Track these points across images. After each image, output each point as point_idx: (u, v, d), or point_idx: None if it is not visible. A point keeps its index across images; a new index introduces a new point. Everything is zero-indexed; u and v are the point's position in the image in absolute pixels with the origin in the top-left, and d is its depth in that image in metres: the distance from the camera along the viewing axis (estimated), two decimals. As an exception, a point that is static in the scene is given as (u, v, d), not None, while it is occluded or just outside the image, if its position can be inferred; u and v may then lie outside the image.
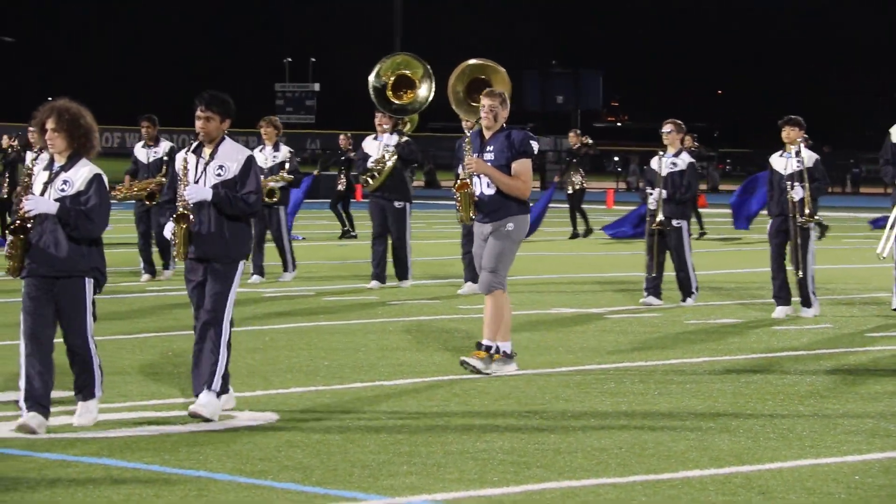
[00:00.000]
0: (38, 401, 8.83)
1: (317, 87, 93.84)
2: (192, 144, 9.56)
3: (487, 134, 11.59)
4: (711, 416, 9.76)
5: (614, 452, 8.60)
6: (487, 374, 11.35)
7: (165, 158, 18.95)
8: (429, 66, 15.21)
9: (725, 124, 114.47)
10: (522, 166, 11.40)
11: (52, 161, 9.00)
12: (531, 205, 12.23)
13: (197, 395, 9.35)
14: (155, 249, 19.24)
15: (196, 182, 9.40)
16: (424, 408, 10.03)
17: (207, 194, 9.30)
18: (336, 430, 9.21)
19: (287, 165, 18.90)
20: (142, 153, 19.34)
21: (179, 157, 9.58)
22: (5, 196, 25.03)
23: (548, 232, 30.11)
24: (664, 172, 16.36)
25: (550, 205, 29.01)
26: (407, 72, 16.49)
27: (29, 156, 9.45)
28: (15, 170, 24.93)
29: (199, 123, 9.45)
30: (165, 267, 19.43)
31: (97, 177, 8.95)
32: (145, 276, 19.11)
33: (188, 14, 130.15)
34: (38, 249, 8.88)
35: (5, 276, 9.46)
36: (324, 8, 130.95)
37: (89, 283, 8.98)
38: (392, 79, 16.46)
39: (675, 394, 10.70)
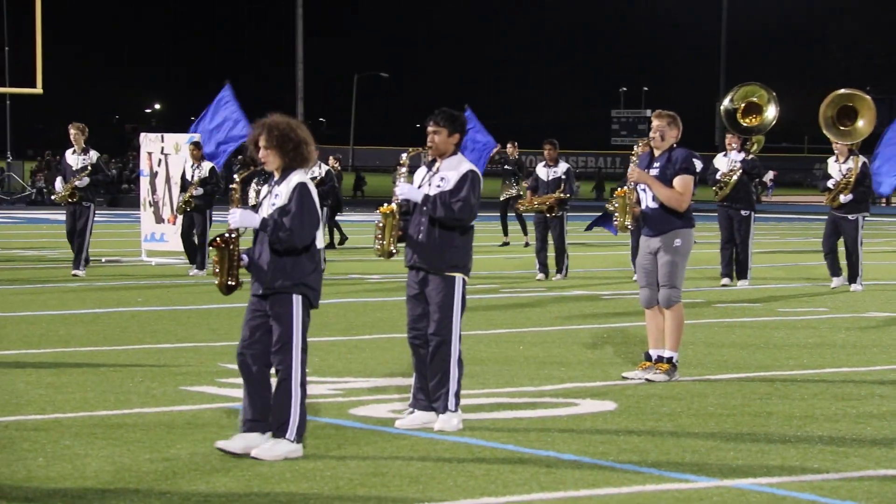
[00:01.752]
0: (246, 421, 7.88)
1: (648, 112, 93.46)
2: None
3: (656, 153, 10.86)
4: None
5: (928, 445, 8.24)
6: (670, 379, 10.61)
7: (563, 177, 19.67)
8: (774, 94, 16.16)
9: None
10: (682, 181, 10.65)
11: (271, 177, 8.04)
12: None
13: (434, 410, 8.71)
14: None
15: (419, 188, 8.72)
16: (748, 400, 9.81)
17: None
18: (668, 418, 9.11)
19: None
20: (542, 172, 19.89)
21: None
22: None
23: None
24: None
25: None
26: (755, 98, 18.17)
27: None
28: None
29: (429, 137, 8.75)
30: None
31: (299, 186, 7.79)
32: (540, 276, 19.76)
33: (531, 53, 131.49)
34: (254, 266, 7.82)
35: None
36: (655, 42, 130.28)
37: (297, 300, 7.74)
38: (742, 105, 18.03)
39: None
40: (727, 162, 19.02)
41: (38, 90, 21.71)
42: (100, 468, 7.48)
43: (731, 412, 9.35)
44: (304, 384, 7.75)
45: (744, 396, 9.98)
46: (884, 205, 61.13)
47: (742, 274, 18.90)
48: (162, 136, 23.01)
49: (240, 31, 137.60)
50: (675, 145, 10.83)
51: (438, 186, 8.66)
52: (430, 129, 8.76)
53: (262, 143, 7.83)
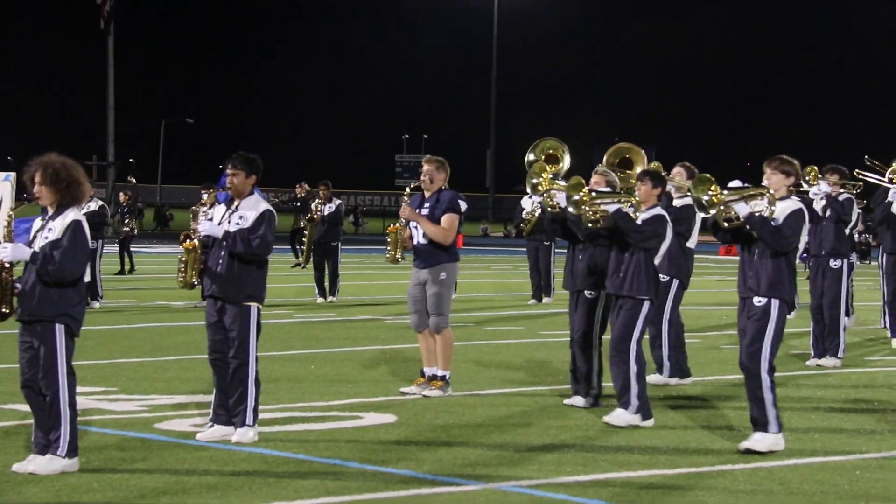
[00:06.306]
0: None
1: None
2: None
3: (427, 194, 11.08)
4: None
5: (663, 450, 8.53)
6: (444, 395, 10.73)
7: (333, 209, 20.62)
8: (567, 146, 18.06)
9: None
10: (448, 219, 10.86)
11: (45, 211, 7.71)
12: None
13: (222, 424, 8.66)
14: None
15: (219, 224, 8.68)
16: (512, 412, 9.99)
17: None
18: (441, 429, 9.20)
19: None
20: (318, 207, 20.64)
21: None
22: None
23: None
24: None
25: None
26: (551, 150, 20.15)
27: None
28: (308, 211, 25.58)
29: (227, 179, 8.75)
30: None
31: (74, 223, 7.53)
32: None
33: (325, 100, 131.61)
34: (23, 293, 7.58)
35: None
36: (432, 94, 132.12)
37: (60, 329, 7.52)
38: (543, 157, 19.99)
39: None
40: (531, 203, 20.58)
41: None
42: (-86, 482, 7.16)
43: (498, 423, 9.50)
44: (72, 404, 7.54)
45: (508, 409, 10.16)
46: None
47: (547, 292, 20.75)
48: None
49: (56, 78, 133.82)
50: (443, 188, 10.97)
51: (238, 224, 8.62)
52: (228, 171, 8.74)
53: (36, 179, 7.59)
